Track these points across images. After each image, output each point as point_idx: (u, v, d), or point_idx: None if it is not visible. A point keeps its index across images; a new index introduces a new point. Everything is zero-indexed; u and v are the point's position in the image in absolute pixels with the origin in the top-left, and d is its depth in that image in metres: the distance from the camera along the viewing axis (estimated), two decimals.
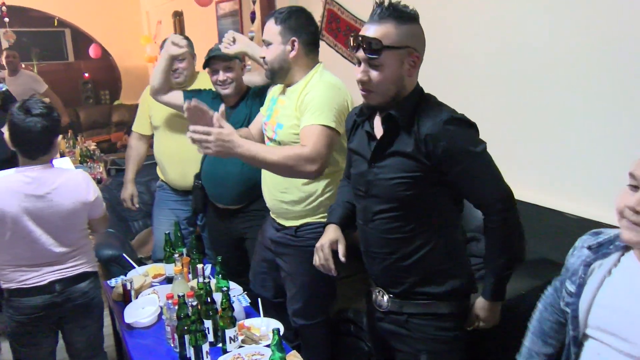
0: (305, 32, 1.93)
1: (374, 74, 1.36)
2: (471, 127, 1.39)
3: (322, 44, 3.52)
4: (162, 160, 2.95)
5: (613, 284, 1.05)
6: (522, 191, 2.21)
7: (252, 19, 4.14)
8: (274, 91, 2.15)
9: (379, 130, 1.48)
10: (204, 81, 2.83)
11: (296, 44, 1.89)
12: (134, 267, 2.62)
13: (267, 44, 1.93)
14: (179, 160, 2.85)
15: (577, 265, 1.13)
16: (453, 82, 2.33)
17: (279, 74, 1.96)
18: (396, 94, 1.39)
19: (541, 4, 2.13)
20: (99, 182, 4.32)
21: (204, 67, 2.52)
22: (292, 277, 2.11)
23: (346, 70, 3.34)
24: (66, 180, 2.03)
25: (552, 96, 2.14)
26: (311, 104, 1.85)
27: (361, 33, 1.37)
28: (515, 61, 2.26)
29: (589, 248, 1.12)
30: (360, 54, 1.36)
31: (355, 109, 1.60)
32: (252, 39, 4.19)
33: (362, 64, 1.38)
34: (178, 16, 6.51)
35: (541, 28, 2.14)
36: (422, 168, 1.38)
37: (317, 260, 1.66)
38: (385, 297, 1.54)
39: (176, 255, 2.28)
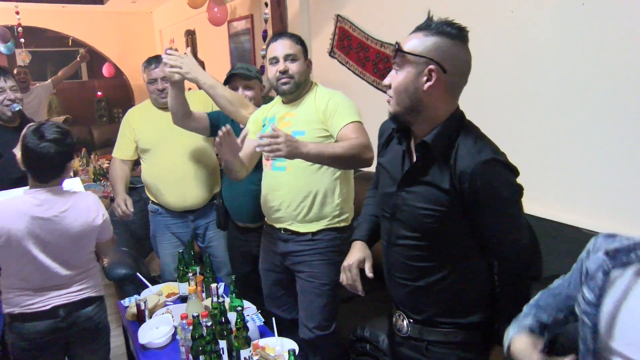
0: (307, 54, 2.16)
1: (394, 79, 1.33)
2: (511, 172, 1.31)
3: (333, 61, 3.58)
4: (157, 184, 2.83)
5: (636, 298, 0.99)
6: (538, 207, 2.20)
7: (264, 38, 4.17)
8: (263, 114, 2.21)
9: (410, 152, 1.42)
10: (194, 99, 2.77)
11: (310, 65, 2.15)
12: (148, 286, 2.61)
13: (293, 58, 2.07)
14: (176, 181, 2.78)
15: (593, 271, 1.07)
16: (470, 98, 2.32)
17: (300, 87, 2.09)
18: (411, 107, 1.31)
19: (554, 19, 2.13)
20: (112, 200, 4.34)
21: (225, 83, 2.52)
22: (311, 283, 2.11)
23: (357, 87, 3.35)
24: (76, 203, 1.99)
25: (566, 112, 2.12)
26: (340, 107, 2.01)
27: None
28: (531, 75, 2.26)
29: (606, 253, 1.06)
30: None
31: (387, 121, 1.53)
32: (264, 57, 4.24)
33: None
34: (190, 35, 6.59)
35: (553, 43, 2.14)
36: (452, 203, 1.32)
37: (345, 280, 1.63)
38: (405, 322, 1.49)
39: (190, 274, 2.28)
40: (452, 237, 1.38)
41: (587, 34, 1.99)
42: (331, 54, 3.59)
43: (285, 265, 2.19)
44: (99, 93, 8.13)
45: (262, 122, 2.20)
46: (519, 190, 1.33)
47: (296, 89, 2.08)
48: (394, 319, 1.55)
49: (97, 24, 7.64)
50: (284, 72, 2.05)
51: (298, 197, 2.08)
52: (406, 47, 1.29)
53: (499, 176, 1.29)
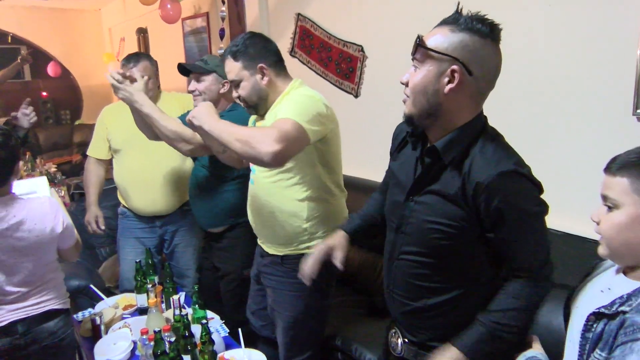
0: (268, 53, 1.87)
1: (412, 76, 1.18)
2: (535, 186, 1.18)
3: (294, 60, 3.50)
4: (125, 186, 2.76)
5: None
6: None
7: (222, 36, 4.04)
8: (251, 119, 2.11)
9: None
10: (168, 101, 2.72)
11: (265, 69, 1.84)
12: (103, 299, 2.46)
13: (237, 83, 1.85)
14: (145, 185, 2.70)
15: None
16: None
17: (260, 105, 1.89)
18: (429, 111, 1.17)
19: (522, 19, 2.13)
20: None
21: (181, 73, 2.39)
22: (278, 310, 2.01)
23: (319, 87, 3.27)
24: (29, 212, 1.82)
25: (539, 114, 2.13)
26: (288, 104, 1.77)
27: None
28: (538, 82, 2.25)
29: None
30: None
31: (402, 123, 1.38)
32: (222, 55, 4.12)
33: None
34: (142, 33, 6.36)
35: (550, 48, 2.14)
36: (465, 219, 1.17)
37: (302, 266, 1.53)
38: (400, 341, 1.38)
39: (149, 286, 2.15)
40: (462, 257, 1.23)
41: (553, 34, 2.00)
42: (292, 53, 3.51)
43: (262, 280, 2.09)
44: (44, 94, 7.72)
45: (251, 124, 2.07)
46: (543, 206, 1.19)
47: (256, 109, 1.91)
48: (389, 335, 1.44)
49: (40, 20, 7.26)
50: (239, 98, 1.90)
51: (261, 213, 1.96)
52: (429, 42, 1.14)
53: (520, 190, 1.15)
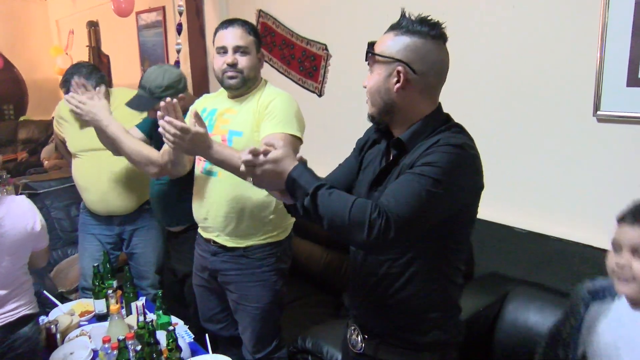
0: (260, 46, 1.98)
1: (368, 80, 1.29)
2: (464, 160, 1.20)
3: None
4: (81, 185, 2.70)
5: (605, 325, 1.28)
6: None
7: (179, 31, 3.93)
8: (204, 104, 2.04)
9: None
10: (120, 96, 2.64)
11: (262, 58, 1.98)
12: (57, 305, 2.35)
13: (243, 51, 1.89)
14: (99, 186, 2.62)
15: (576, 304, 1.38)
16: None
17: (250, 82, 1.93)
18: (385, 109, 1.27)
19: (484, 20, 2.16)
20: None
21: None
22: (244, 305, 1.96)
23: (282, 86, 3.23)
24: (11, 210, 1.82)
25: (497, 114, 2.17)
26: (276, 111, 1.83)
27: None
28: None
29: (589, 292, 1.37)
30: None
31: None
32: (179, 51, 4.01)
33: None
34: (93, 26, 6.11)
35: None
36: None
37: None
38: (360, 337, 1.40)
39: (110, 292, 2.06)
40: (423, 237, 1.22)
41: (516, 36, 2.04)
42: None
43: (218, 281, 2.03)
44: None
45: (201, 111, 1.97)
46: (454, 182, 1.17)
47: (243, 85, 1.90)
48: (348, 333, 1.45)
49: None
50: (232, 65, 1.87)
51: (225, 207, 1.90)
52: (377, 48, 1.27)
53: (455, 156, 1.16)
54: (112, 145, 2.17)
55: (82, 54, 6.51)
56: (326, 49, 2.89)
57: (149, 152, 2.07)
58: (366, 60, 1.29)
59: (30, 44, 7.35)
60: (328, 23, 2.88)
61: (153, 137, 2.33)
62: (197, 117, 1.68)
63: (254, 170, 1.21)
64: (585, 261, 1.89)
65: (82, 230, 2.77)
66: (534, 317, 1.85)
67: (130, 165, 2.58)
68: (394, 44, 1.23)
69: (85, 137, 2.58)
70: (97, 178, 2.62)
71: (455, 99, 2.28)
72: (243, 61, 1.88)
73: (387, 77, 1.24)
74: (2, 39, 7.11)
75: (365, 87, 1.30)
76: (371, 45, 1.28)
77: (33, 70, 7.43)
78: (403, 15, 1.26)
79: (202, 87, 3.97)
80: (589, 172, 1.89)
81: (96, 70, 2.64)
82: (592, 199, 1.89)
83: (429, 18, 1.23)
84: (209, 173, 1.94)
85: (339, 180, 1.48)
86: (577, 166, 1.92)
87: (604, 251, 1.83)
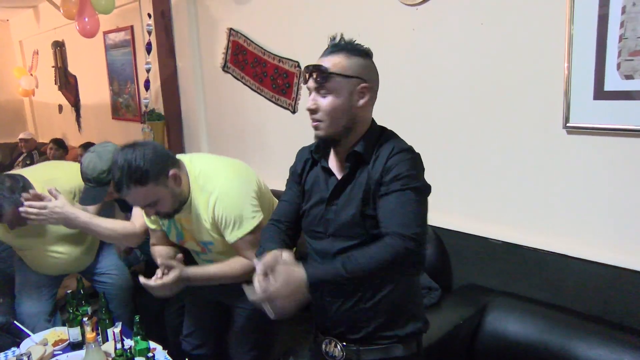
0: (166, 157, 1.72)
1: (322, 102, 1.32)
2: (421, 166, 1.35)
3: (227, 76, 3.44)
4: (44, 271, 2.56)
5: None
6: (446, 218, 2.26)
7: (148, 51, 3.90)
8: None
9: (334, 167, 1.42)
10: (60, 171, 2.44)
11: (177, 174, 1.70)
12: (29, 335, 2.26)
13: (154, 204, 1.71)
14: (51, 267, 2.52)
15: None
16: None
17: (183, 207, 1.77)
18: (347, 125, 1.34)
19: (454, 37, 2.21)
20: None
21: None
22: (247, 335, 2.00)
23: (254, 103, 3.25)
24: None
25: (466, 126, 2.21)
26: (225, 218, 1.72)
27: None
28: (432, 92, 2.32)
29: None
30: (310, 83, 1.35)
31: (309, 147, 1.51)
32: (148, 70, 3.97)
33: (312, 94, 1.35)
34: (59, 46, 6.01)
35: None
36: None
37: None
38: (339, 347, 1.43)
39: (85, 319, 2.00)
40: None
41: (486, 52, 2.09)
42: (224, 68, 3.45)
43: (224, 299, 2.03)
44: None
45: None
46: (426, 183, 1.32)
47: (178, 212, 1.78)
48: (323, 346, 1.47)
49: None
50: (158, 214, 1.78)
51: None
52: (334, 68, 1.31)
53: (407, 155, 1.31)
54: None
55: (47, 75, 6.39)
56: (298, 66, 2.91)
57: (124, 227, 2.09)
58: (317, 81, 1.31)
59: None
60: (300, 40, 2.90)
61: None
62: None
63: (273, 303, 1.23)
64: (560, 270, 1.93)
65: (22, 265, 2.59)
66: (514, 327, 1.86)
67: (78, 246, 2.52)
68: (351, 63, 1.32)
69: (23, 239, 2.44)
70: (48, 260, 2.50)
71: (426, 113, 2.34)
72: (162, 208, 1.72)
73: (350, 95, 1.32)
74: None
75: (312, 110, 1.33)
76: (317, 67, 1.32)
77: None
78: (342, 38, 1.37)
79: (173, 105, 3.93)
80: (560, 182, 1.93)
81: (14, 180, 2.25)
82: (564, 208, 1.94)
83: (355, 41, 1.36)
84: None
85: (290, 214, 1.53)
86: (548, 177, 1.97)
87: (579, 260, 1.91)
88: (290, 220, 1.54)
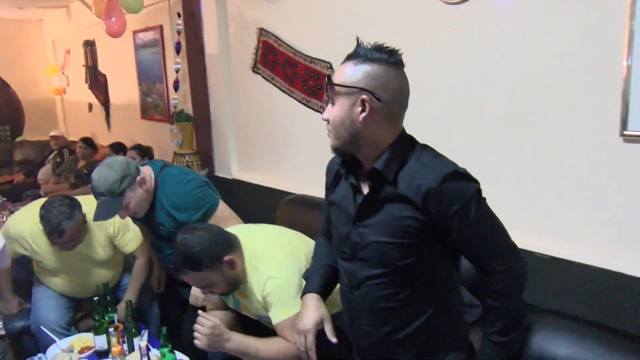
0: (225, 241, 1.81)
1: (331, 112, 1.26)
2: (474, 182, 1.25)
3: (257, 77, 3.37)
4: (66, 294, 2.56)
5: None
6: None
7: (178, 50, 3.86)
8: None
9: (364, 184, 1.32)
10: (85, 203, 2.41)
11: (232, 260, 1.77)
12: (55, 341, 2.23)
13: (209, 287, 1.80)
14: (89, 286, 2.53)
15: None
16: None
17: (239, 287, 1.85)
18: (351, 140, 1.25)
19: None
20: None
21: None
22: None
23: (284, 105, 3.17)
24: None
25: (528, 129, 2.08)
26: (272, 299, 1.75)
27: None
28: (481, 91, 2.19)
29: None
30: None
31: (337, 158, 1.42)
32: (177, 71, 3.92)
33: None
34: (89, 46, 6.04)
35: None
36: (420, 229, 1.23)
37: (300, 345, 1.44)
38: None
39: (111, 330, 1.95)
40: (422, 267, 1.28)
41: (534, 51, 1.96)
42: (254, 69, 3.37)
43: None
44: None
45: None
46: (483, 198, 1.27)
47: (236, 290, 1.85)
48: None
49: None
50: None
51: None
52: (337, 78, 1.24)
53: (466, 187, 1.23)
54: None
55: (78, 73, 6.45)
56: (331, 67, 2.81)
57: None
58: (325, 92, 1.27)
59: (26, 64, 7.28)
60: (332, 41, 2.80)
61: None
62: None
63: None
64: (613, 289, 1.79)
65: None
66: (563, 349, 1.73)
67: (105, 263, 2.54)
68: (354, 73, 1.21)
69: (57, 260, 2.45)
70: (83, 283, 2.53)
71: (467, 118, 2.21)
72: (218, 290, 1.80)
73: (351, 107, 1.22)
74: None
75: (325, 119, 1.28)
76: (330, 76, 1.27)
77: (29, 90, 7.35)
78: (359, 43, 1.25)
79: (201, 106, 3.88)
80: (615, 195, 1.79)
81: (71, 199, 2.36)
82: (619, 223, 1.80)
83: (385, 45, 1.23)
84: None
85: (329, 228, 1.51)
86: (601, 189, 1.83)
87: (634, 279, 1.76)
88: (330, 233, 1.52)
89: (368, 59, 1.21)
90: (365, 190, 1.30)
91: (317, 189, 2.95)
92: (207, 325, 1.65)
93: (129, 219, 2.44)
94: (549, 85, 1.93)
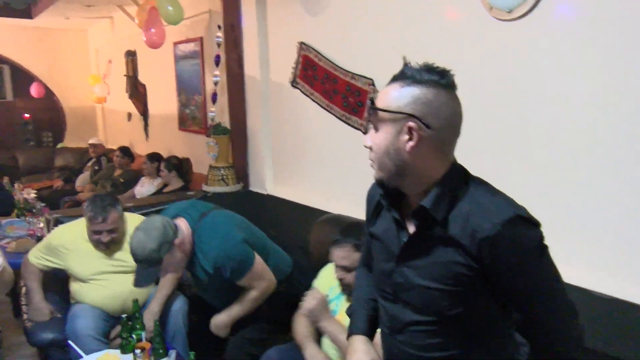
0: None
1: (374, 139, 1.15)
2: (537, 228, 1.11)
3: (296, 92, 3.30)
4: (100, 306, 2.56)
5: None
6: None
7: (217, 63, 3.84)
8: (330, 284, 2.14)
9: (409, 221, 1.20)
10: (133, 222, 2.57)
11: None
12: (81, 356, 2.18)
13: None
14: (121, 297, 2.55)
15: None
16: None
17: None
18: (397, 172, 1.13)
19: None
20: (38, 239, 3.81)
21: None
22: None
23: (323, 121, 3.09)
24: None
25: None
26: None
27: None
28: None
29: None
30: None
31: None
32: (216, 83, 3.90)
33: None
34: (131, 56, 6.13)
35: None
36: (471, 277, 1.10)
37: None
38: None
39: (137, 351, 1.88)
40: (474, 318, 1.15)
41: (598, 73, 1.82)
42: (293, 84, 3.31)
43: None
44: (26, 115, 7.41)
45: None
46: (546, 248, 1.11)
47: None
48: None
49: (24, 39, 7.00)
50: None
51: None
52: (381, 102, 1.12)
53: (528, 235, 1.08)
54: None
55: (119, 83, 6.55)
56: (373, 84, 2.71)
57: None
58: (368, 117, 1.14)
59: (69, 73, 7.45)
60: (375, 56, 2.71)
61: None
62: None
63: None
64: None
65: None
66: None
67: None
68: (400, 97, 1.09)
69: (94, 265, 2.53)
70: (118, 293, 2.55)
71: (520, 147, 2.06)
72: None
73: (396, 135, 1.10)
74: (44, 68, 7.25)
75: (368, 147, 1.17)
76: (373, 99, 1.17)
77: (71, 98, 7.52)
78: (406, 63, 1.13)
79: (238, 120, 3.84)
80: None
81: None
82: None
83: (435, 65, 1.11)
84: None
85: (370, 259, 1.39)
86: None
87: None
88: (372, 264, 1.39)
89: (416, 81, 1.09)
90: (411, 227, 1.19)
91: (353, 208, 2.86)
92: (317, 298, 1.95)
93: None
94: (615, 113, 1.77)
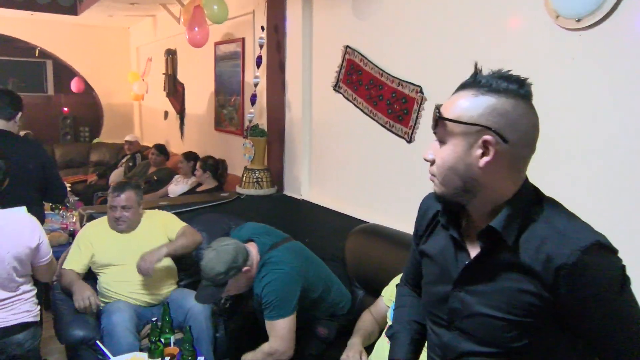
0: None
1: (438, 153, 1.05)
2: (618, 256, 1.00)
3: (338, 96, 3.20)
4: (124, 294, 2.64)
5: None
6: None
7: (258, 64, 3.78)
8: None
9: (467, 238, 1.09)
10: (150, 219, 2.80)
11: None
12: (109, 358, 2.13)
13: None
14: (145, 285, 2.66)
15: None
16: None
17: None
18: (464, 189, 1.03)
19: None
20: (71, 234, 3.81)
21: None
22: None
23: (365, 128, 2.98)
24: (8, 224, 2.03)
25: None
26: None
27: None
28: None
29: None
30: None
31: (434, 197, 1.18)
32: (256, 85, 3.84)
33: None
34: (171, 54, 6.15)
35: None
36: (540, 307, 0.99)
37: None
38: None
39: (167, 359, 1.81)
40: (539, 353, 1.02)
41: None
42: (336, 88, 3.22)
43: None
44: (65, 109, 7.53)
45: None
46: (629, 279, 1.00)
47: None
48: None
49: (68, 35, 7.11)
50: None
51: None
52: (450, 112, 1.01)
53: (610, 264, 0.97)
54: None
55: (157, 81, 6.58)
56: (421, 91, 2.60)
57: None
58: (434, 128, 1.04)
59: (109, 70, 7.53)
60: (425, 62, 2.59)
61: None
62: None
63: None
64: None
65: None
66: None
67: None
68: (474, 107, 0.98)
69: (113, 248, 2.65)
70: (131, 287, 2.64)
71: (586, 165, 1.88)
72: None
73: (468, 149, 0.99)
74: (85, 64, 7.34)
75: (429, 161, 1.07)
76: (439, 108, 1.03)
77: (110, 94, 7.61)
78: (478, 70, 1.02)
79: (277, 123, 3.77)
80: None
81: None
82: None
83: (512, 73, 1.01)
84: None
85: (417, 277, 1.29)
86: None
87: None
88: (418, 283, 1.30)
89: (492, 90, 0.98)
90: (472, 249, 1.08)
91: (392, 219, 2.75)
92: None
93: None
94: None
